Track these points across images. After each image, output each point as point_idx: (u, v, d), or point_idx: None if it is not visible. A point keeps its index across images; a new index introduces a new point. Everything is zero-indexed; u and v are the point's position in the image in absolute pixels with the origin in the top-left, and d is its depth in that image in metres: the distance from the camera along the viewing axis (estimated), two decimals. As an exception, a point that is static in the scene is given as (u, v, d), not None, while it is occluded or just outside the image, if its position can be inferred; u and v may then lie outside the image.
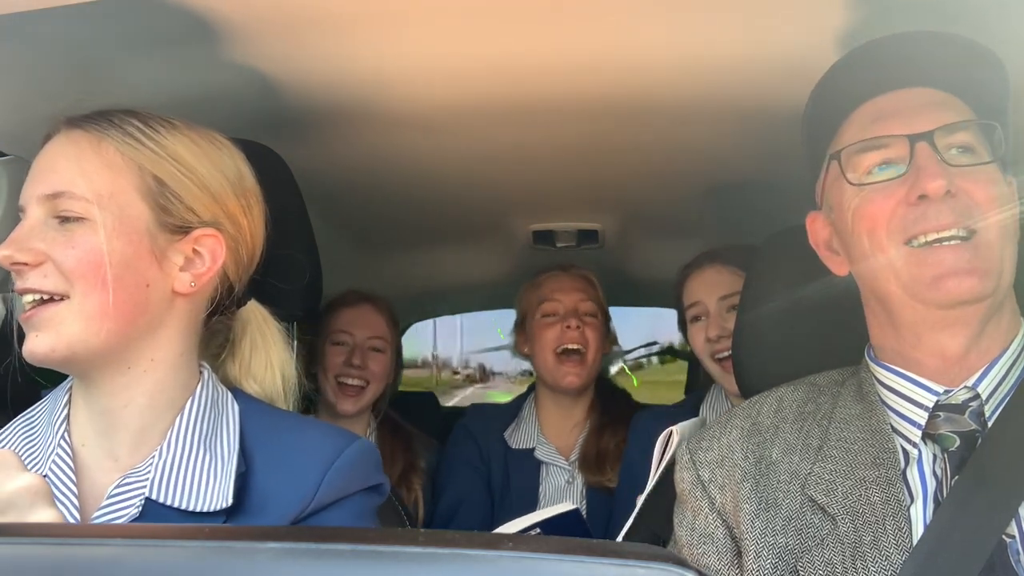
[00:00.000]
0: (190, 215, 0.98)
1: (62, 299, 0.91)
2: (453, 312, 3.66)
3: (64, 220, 0.93)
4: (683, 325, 1.95)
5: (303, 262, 1.23)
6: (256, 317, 1.09)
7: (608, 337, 2.14)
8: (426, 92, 1.33)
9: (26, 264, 0.91)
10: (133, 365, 0.96)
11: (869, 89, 0.99)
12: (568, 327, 2.03)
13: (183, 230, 0.98)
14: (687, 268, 1.90)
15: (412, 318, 3.44)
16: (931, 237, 0.91)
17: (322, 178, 1.69)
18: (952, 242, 0.90)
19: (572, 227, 2.24)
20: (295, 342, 1.78)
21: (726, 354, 1.77)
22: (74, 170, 0.94)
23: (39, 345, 0.91)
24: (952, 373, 0.95)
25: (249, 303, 1.09)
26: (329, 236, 1.85)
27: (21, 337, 0.94)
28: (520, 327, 2.17)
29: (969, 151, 0.94)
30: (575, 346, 2.02)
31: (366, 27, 1.13)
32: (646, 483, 1.84)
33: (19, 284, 0.92)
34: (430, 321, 3.80)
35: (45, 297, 0.91)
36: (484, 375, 10.83)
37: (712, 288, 1.82)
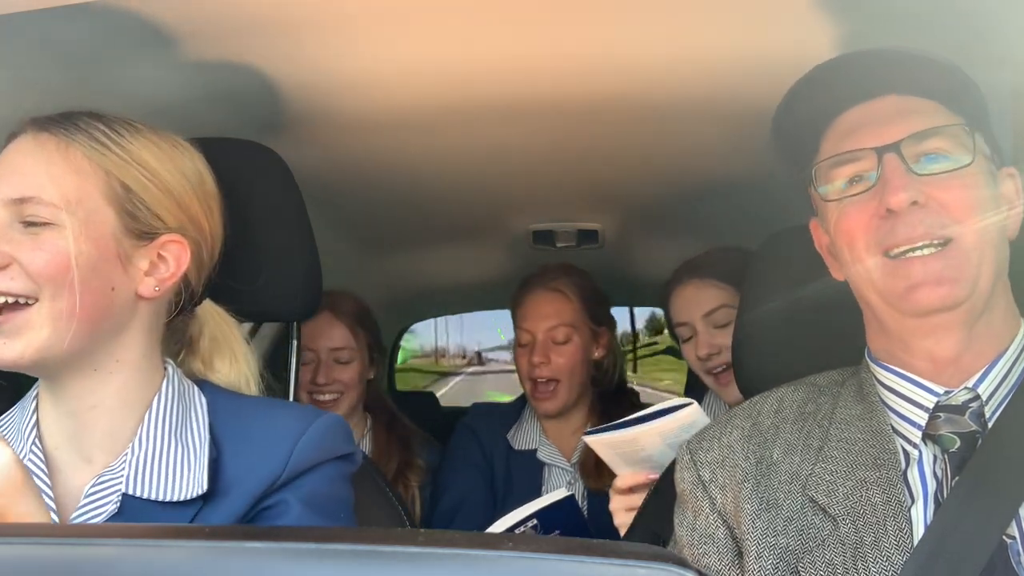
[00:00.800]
0: (156, 222, 0.98)
1: (28, 303, 0.91)
2: (453, 312, 3.66)
3: (30, 224, 0.93)
4: (674, 335, 1.94)
5: (303, 263, 1.23)
6: (213, 316, 1.11)
7: (599, 345, 2.06)
8: (426, 92, 1.33)
9: None
10: (99, 367, 0.96)
11: (842, 102, 0.99)
12: (534, 364, 1.98)
13: (149, 236, 0.98)
14: (669, 284, 1.88)
15: (412, 318, 3.44)
16: (903, 248, 0.91)
17: (322, 178, 1.69)
18: (925, 251, 0.91)
19: (572, 227, 2.24)
20: (295, 342, 1.78)
21: (720, 368, 1.76)
22: (42, 175, 0.94)
23: (8, 351, 0.91)
24: (946, 375, 0.95)
25: (205, 302, 1.10)
26: (329, 236, 1.84)
27: None
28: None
29: (943, 157, 0.93)
30: (543, 379, 1.98)
31: (366, 27, 1.13)
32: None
33: None
34: (432, 321, 3.80)
35: (11, 300, 0.91)
36: (481, 360, 13.10)
37: (695, 306, 1.80)
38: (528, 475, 2.03)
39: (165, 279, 0.99)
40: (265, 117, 1.38)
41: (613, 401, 2.12)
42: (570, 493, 1.60)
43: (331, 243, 1.75)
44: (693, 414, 1.37)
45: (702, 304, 1.79)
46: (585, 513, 1.97)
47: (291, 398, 1.82)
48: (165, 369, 1.03)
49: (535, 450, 2.05)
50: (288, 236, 1.18)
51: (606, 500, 1.90)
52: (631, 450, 1.46)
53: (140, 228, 0.97)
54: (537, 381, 1.99)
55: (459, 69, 1.25)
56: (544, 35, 1.15)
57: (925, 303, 0.90)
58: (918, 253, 0.91)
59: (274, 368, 1.21)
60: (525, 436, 2.08)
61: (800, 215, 1.11)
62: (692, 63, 1.23)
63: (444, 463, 2.11)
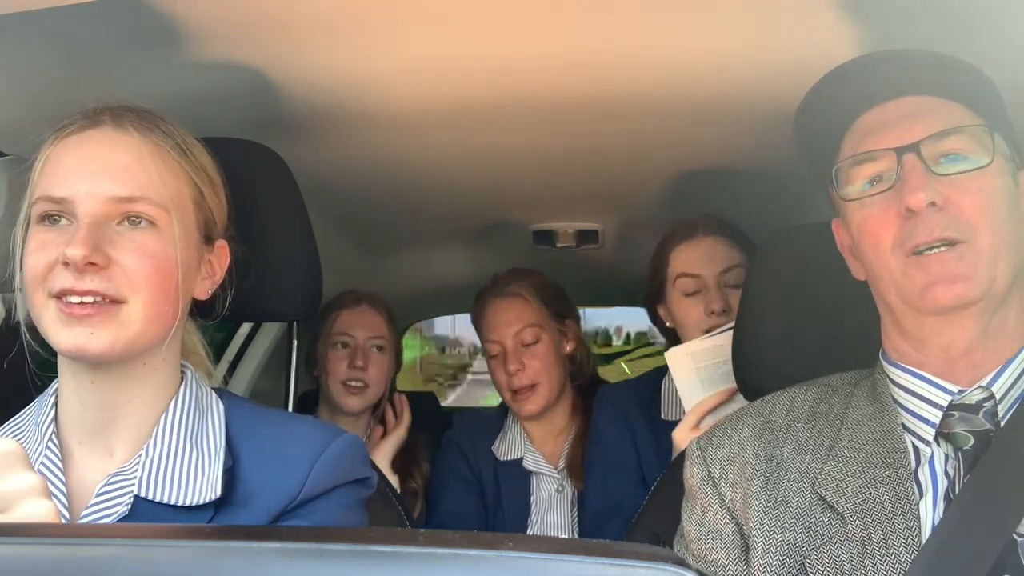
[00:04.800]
0: (216, 227, 1.03)
1: (122, 302, 0.92)
2: (453, 312, 3.65)
3: (135, 224, 0.94)
4: (655, 298, 1.86)
5: (303, 262, 1.23)
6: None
7: (568, 339, 2.05)
8: (426, 92, 1.33)
9: (94, 265, 0.90)
10: (148, 362, 0.98)
11: (862, 103, 1.00)
12: (510, 373, 1.96)
13: (211, 241, 1.03)
14: (675, 236, 1.80)
15: (412, 318, 3.43)
16: (923, 248, 0.92)
17: (322, 178, 1.69)
18: (942, 249, 0.91)
19: (572, 227, 2.24)
20: (295, 342, 1.78)
21: (719, 325, 1.68)
22: (152, 174, 0.95)
23: (96, 343, 0.91)
24: (958, 372, 0.95)
25: None
26: (329, 236, 1.84)
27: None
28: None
29: (962, 158, 0.93)
30: (523, 386, 1.96)
31: (365, 27, 1.13)
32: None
33: (76, 283, 0.89)
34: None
35: (102, 300, 0.91)
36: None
37: (710, 262, 1.73)
38: (516, 486, 2.02)
39: (216, 282, 1.04)
40: (265, 117, 1.38)
41: (592, 395, 2.12)
42: None
43: (331, 243, 1.75)
44: None
45: (718, 261, 1.73)
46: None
47: (291, 396, 1.82)
48: (184, 373, 1.04)
49: (521, 459, 2.04)
50: (288, 236, 1.18)
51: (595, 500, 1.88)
52: (713, 362, 1.45)
53: (209, 234, 1.02)
54: (517, 390, 1.97)
55: (459, 69, 1.25)
56: (544, 35, 1.15)
57: (941, 300, 0.91)
58: (936, 251, 0.92)
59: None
60: (510, 446, 2.06)
61: (801, 215, 1.11)
62: (693, 63, 1.23)
63: (434, 479, 2.10)
